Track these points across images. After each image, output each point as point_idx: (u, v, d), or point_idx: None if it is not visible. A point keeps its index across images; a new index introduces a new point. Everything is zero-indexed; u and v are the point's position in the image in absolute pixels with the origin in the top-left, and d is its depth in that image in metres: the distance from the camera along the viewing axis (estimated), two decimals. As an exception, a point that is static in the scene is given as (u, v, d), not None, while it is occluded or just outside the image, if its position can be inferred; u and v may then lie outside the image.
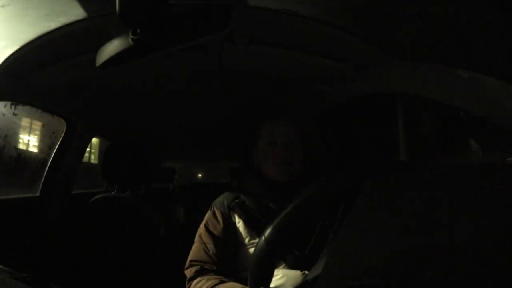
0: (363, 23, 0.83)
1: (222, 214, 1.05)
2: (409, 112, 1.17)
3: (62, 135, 1.63)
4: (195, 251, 1.03)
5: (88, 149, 2.16)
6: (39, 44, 0.91)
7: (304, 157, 1.12)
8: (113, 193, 1.66)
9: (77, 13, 0.81)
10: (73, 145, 1.67)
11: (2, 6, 0.74)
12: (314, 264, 0.75)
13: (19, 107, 1.33)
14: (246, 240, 1.00)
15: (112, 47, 0.69)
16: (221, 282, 0.90)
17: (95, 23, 0.86)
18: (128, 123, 1.97)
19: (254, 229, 0.99)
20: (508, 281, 0.32)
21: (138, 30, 0.63)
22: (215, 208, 1.08)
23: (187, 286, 0.98)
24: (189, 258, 1.02)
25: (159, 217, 1.60)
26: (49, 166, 1.59)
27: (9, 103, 1.29)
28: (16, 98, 1.23)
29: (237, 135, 2.11)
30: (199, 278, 0.95)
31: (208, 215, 1.09)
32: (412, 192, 0.48)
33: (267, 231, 0.58)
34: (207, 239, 1.02)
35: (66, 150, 1.64)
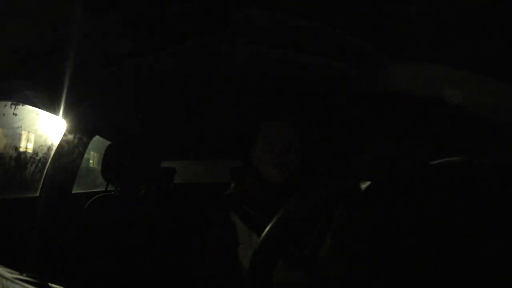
0: (364, 23, 0.83)
1: (222, 214, 1.05)
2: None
3: (62, 135, 1.63)
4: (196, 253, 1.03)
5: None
6: (40, 44, 0.91)
7: (303, 158, 1.11)
8: (112, 193, 1.66)
9: (78, 13, 0.81)
10: (73, 145, 1.67)
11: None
12: (314, 263, 0.75)
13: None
14: (245, 241, 1.00)
15: (113, 48, 0.69)
16: None
17: (96, 24, 0.86)
18: (128, 123, 1.97)
19: (253, 230, 0.99)
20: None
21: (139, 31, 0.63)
22: (215, 209, 1.08)
23: None
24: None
25: (159, 217, 1.60)
26: (49, 166, 1.59)
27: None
28: (17, 97, 1.23)
29: (236, 135, 2.10)
30: None
31: (208, 215, 1.09)
32: (412, 192, 0.48)
33: (261, 237, 0.58)
34: (208, 240, 1.02)
35: (66, 150, 1.64)
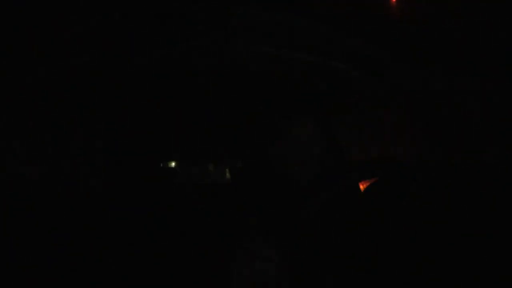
0: (364, 23, 0.83)
1: (259, 245, 1.03)
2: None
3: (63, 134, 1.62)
4: None
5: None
6: (41, 44, 0.91)
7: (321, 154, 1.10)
8: (113, 192, 1.65)
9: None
10: (74, 144, 1.66)
11: None
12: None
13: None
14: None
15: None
16: None
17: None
18: (129, 123, 1.96)
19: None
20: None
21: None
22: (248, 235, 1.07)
23: None
24: None
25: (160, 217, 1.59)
26: (49, 165, 1.59)
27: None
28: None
29: (236, 134, 2.10)
30: None
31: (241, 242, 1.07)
32: (411, 191, 0.48)
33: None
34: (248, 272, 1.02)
35: (67, 149, 1.63)
